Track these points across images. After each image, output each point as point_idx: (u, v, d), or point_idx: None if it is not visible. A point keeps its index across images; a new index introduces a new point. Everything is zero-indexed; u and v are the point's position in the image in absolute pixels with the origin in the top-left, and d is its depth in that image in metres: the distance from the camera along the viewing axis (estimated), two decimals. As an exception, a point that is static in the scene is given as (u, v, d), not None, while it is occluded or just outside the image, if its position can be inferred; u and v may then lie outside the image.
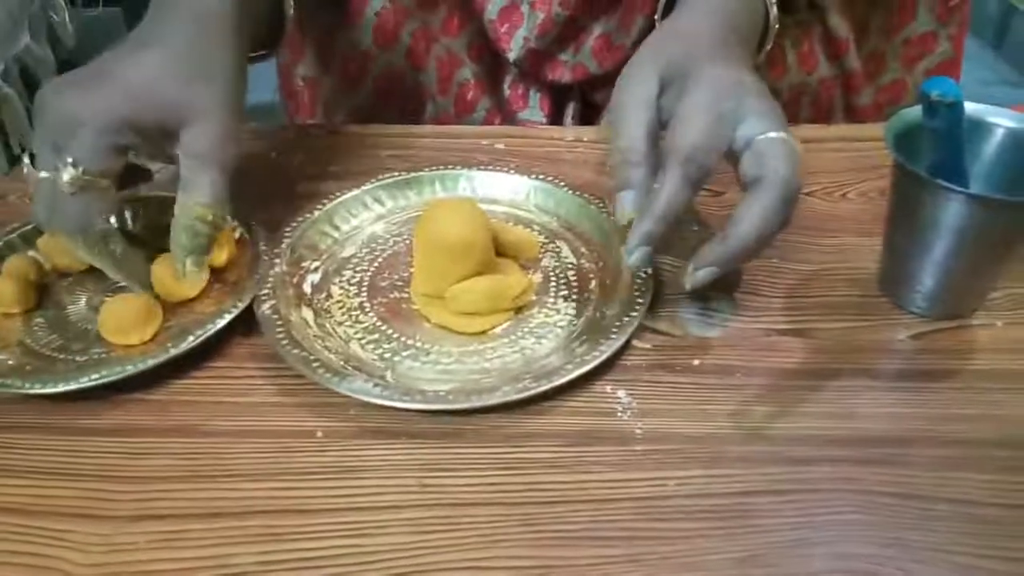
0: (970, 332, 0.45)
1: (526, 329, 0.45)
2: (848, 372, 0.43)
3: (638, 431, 0.39)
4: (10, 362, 0.43)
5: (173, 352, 0.42)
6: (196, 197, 0.43)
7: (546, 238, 0.52)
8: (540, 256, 0.50)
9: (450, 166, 0.56)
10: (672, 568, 0.34)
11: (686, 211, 0.41)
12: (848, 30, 0.66)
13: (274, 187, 0.58)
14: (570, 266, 0.50)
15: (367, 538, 0.35)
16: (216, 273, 0.48)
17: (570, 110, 0.70)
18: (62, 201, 0.42)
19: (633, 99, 0.42)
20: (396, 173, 0.56)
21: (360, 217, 0.54)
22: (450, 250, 0.44)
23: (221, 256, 0.48)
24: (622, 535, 0.35)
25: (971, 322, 0.46)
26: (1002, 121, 0.45)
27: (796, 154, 0.40)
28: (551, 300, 0.47)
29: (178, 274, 0.44)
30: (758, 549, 0.34)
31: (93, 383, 0.40)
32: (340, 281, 0.49)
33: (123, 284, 0.46)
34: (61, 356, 0.44)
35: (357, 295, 0.48)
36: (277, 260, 0.48)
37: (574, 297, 0.47)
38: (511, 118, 0.70)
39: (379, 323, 0.46)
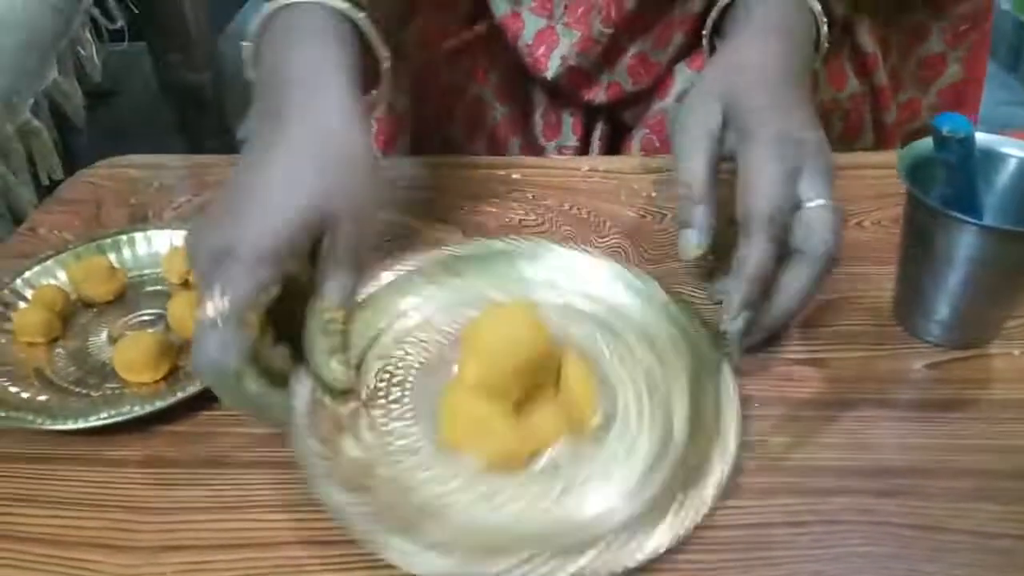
0: (986, 361, 0.45)
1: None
2: (864, 402, 0.43)
3: (655, 462, 0.40)
4: (24, 394, 0.43)
5: (180, 396, 0.42)
6: (328, 302, 0.39)
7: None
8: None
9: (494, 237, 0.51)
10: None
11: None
12: (875, 45, 0.66)
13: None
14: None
15: (394, 570, 0.35)
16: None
17: (598, 131, 0.70)
18: (202, 335, 0.35)
19: (697, 131, 0.43)
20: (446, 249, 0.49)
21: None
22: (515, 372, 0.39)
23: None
24: (638, 568, 0.35)
25: (987, 351, 0.46)
26: (1015, 151, 0.45)
27: (841, 222, 0.42)
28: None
29: (327, 378, 0.40)
30: (774, 578, 0.35)
31: (100, 422, 0.41)
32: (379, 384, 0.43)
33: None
34: (76, 389, 0.45)
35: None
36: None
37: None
38: (541, 154, 0.71)
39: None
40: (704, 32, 0.55)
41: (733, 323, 0.41)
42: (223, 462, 0.41)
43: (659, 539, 0.34)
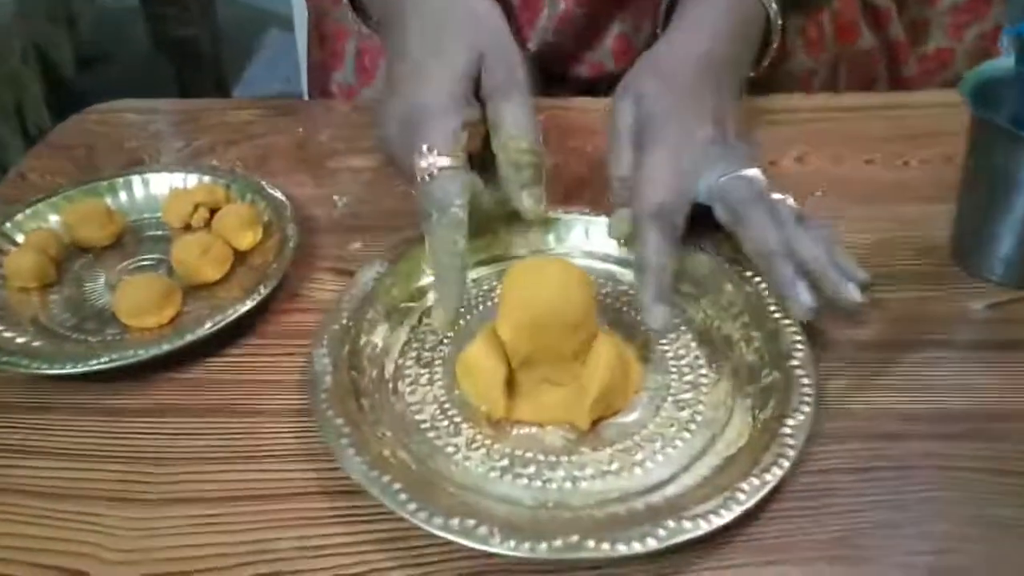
0: (1053, 301, 0.42)
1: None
2: (924, 344, 0.40)
3: (704, 407, 0.37)
4: (19, 340, 0.40)
5: (189, 338, 0.39)
6: (506, 132, 0.41)
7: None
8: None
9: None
10: (756, 551, 0.31)
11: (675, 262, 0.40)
12: (888, 0, 0.63)
13: (301, 163, 0.56)
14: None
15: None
16: (240, 256, 0.46)
17: None
18: (422, 189, 0.39)
19: (618, 126, 0.44)
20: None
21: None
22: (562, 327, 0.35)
23: (246, 239, 0.46)
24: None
25: (1053, 290, 0.43)
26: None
27: (758, 181, 0.40)
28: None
29: (524, 214, 0.41)
30: (844, 530, 0.32)
31: (102, 366, 0.38)
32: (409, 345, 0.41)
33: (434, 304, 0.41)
34: (74, 336, 0.41)
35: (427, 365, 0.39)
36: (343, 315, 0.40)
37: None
38: None
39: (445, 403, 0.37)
40: (658, 29, 0.53)
41: (652, 316, 0.37)
42: (233, 410, 0.38)
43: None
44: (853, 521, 0.32)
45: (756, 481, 0.31)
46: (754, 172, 0.40)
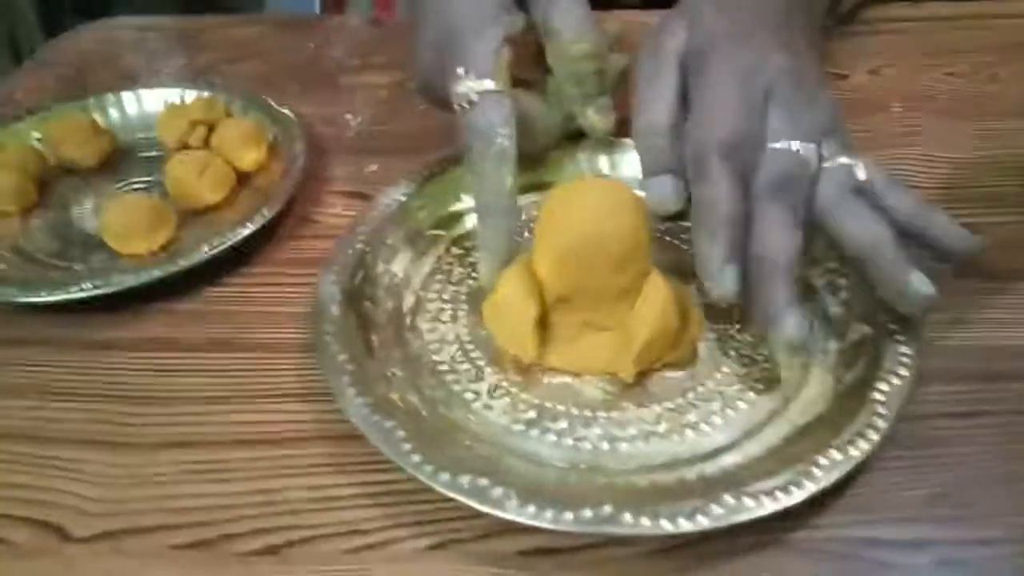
0: None
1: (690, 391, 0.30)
2: (1032, 273, 0.34)
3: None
4: None
5: (183, 264, 0.35)
6: (562, 37, 0.35)
7: None
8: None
9: None
10: (843, 510, 0.26)
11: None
12: None
13: (312, 80, 0.50)
14: None
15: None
16: (243, 178, 0.41)
17: None
18: (464, 116, 0.33)
19: (665, 53, 0.34)
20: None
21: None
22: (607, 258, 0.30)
23: (249, 158, 0.41)
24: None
25: None
26: None
27: (803, 179, 0.31)
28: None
29: (591, 132, 0.37)
30: (947, 485, 0.27)
31: (85, 294, 0.33)
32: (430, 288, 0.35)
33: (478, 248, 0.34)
34: (57, 263, 0.37)
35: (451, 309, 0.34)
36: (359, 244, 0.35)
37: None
38: None
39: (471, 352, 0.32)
40: None
41: (721, 280, 0.29)
42: (234, 344, 0.33)
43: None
44: (959, 474, 0.27)
45: (837, 455, 0.26)
46: (847, 159, 0.31)
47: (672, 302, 0.30)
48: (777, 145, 0.31)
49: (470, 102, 0.33)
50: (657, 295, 0.29)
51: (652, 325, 0.29)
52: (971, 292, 0.33)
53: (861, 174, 0.31)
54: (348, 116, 0.47)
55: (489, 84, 0.33)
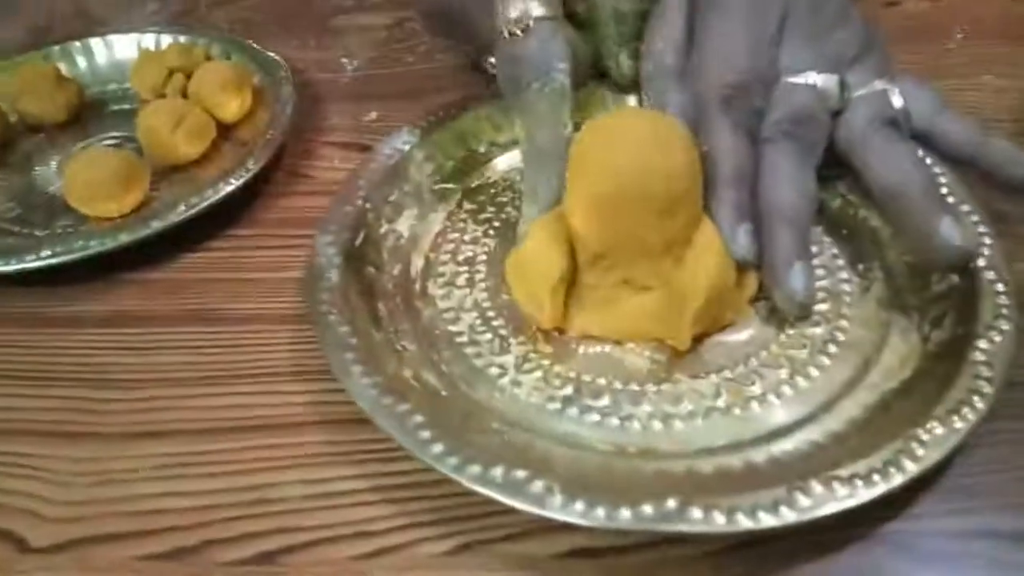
0: None
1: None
2: None
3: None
4: None
5: (156, 226, 0.30)
6: None
7: None
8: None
9: None
10: (939, 495, 0.22)
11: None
12: None
13: (302, 23, 0.45)
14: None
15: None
16: (225, 131, 0.37)
17: None
18: (510, 48, 0.30)
19: None
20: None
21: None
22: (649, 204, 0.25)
23: (231, 106, 0.36)
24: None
25: None
26: None
27: (820, 115, 0.27)
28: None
29: (618, 77, 0.33)
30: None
31: (42, 263, 0.29)
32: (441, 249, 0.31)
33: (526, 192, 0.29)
34: (16, 229, 0.33)
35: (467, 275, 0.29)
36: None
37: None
38: None
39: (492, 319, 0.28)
40: None
41: (734, 240, 0.25)
42: (214, 318, 0.29)
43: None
44: None
45: (939, 429, 0.21)
46: (881, 84, 0.28)
47: (727, 254, 0.25)
48: (792, 79, 0.27)
49: (524, 29, 0.29)
50: (711, 246, 0.25)
51: (709, 282, 0.24)
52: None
53: (897, 101, 0.27)
54: (344, 60, 0.42)
55: (544, 10, 0.29)
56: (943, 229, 0.24)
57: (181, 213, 0.30)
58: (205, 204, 0.31)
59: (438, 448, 0.21)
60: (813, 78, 0.27)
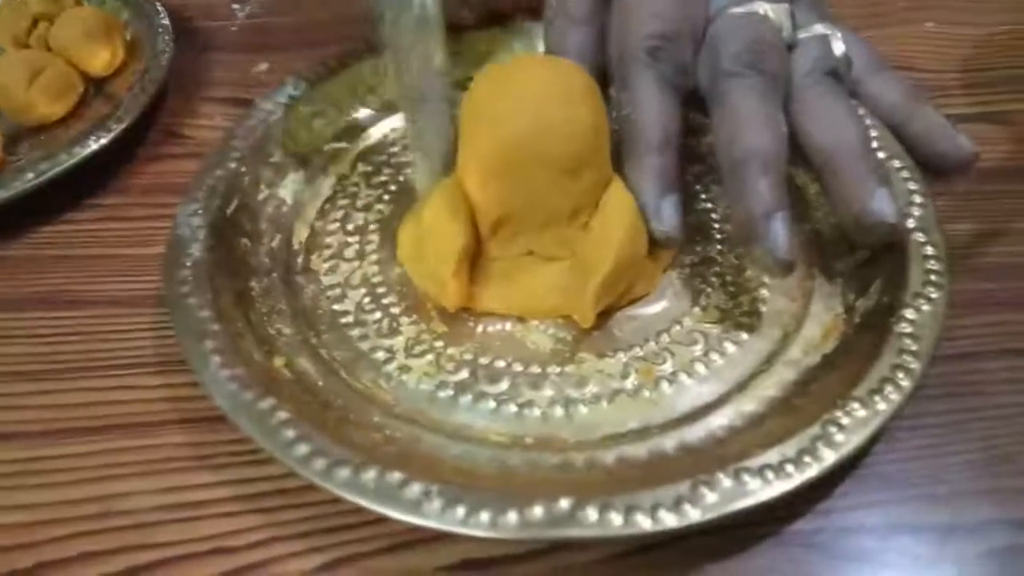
0: None
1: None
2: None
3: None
4: None
5: (4, 196, 0.27)
6: None
7: None
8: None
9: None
10: (872, 483, 0.20)
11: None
12: None
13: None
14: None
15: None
16: (95, 85, 0.33)
17: None
18: None
19: None
20: None
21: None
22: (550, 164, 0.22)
23: (99, 58, 0.32)
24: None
25: None
26: None
27: (776, 47, 0.24)
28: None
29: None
30: (1001, 441, 0.21)
31: None
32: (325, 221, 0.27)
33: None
34: None
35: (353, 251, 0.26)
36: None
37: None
38: None
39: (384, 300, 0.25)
40: None
41: (657, 214, 0.23)
42: (70, 300, 0.26)
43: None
44: (1014, 432, 0.21)
45: (859, 411, 0.19)
46: (822, 28, 0.25)
47: (639, 218, 0.23)
48: (736, 9, 0.24)
49: None
50: (621, 210, 0.22)
51: (616, 250, 0.22)
52: (1003, 196, 0.27)
53: (839, 47, 0.24)
54: (235, 6, 0.38)
55: None
56: (874, 202, 0.22)
57: (29, 181, 0.27)
58: (58, 169, 0.27)
59: (303, 449, 0.19)
60: (763, 8, 0.24)
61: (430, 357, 0.23)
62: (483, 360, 0.23)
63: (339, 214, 0.27)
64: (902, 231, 0.23)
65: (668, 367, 0.22)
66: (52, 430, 0.22)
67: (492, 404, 0.22)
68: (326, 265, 0.25)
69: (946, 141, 0.24)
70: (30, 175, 0.27)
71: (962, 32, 0.34)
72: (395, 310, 0.24)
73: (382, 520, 0.18)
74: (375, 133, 0.30)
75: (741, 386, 0.22)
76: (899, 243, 0.23)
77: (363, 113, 0.30)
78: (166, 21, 0.34)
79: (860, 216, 0.22)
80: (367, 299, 0.24)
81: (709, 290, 0.24)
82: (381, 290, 0.25)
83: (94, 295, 0.26)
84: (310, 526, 0.20)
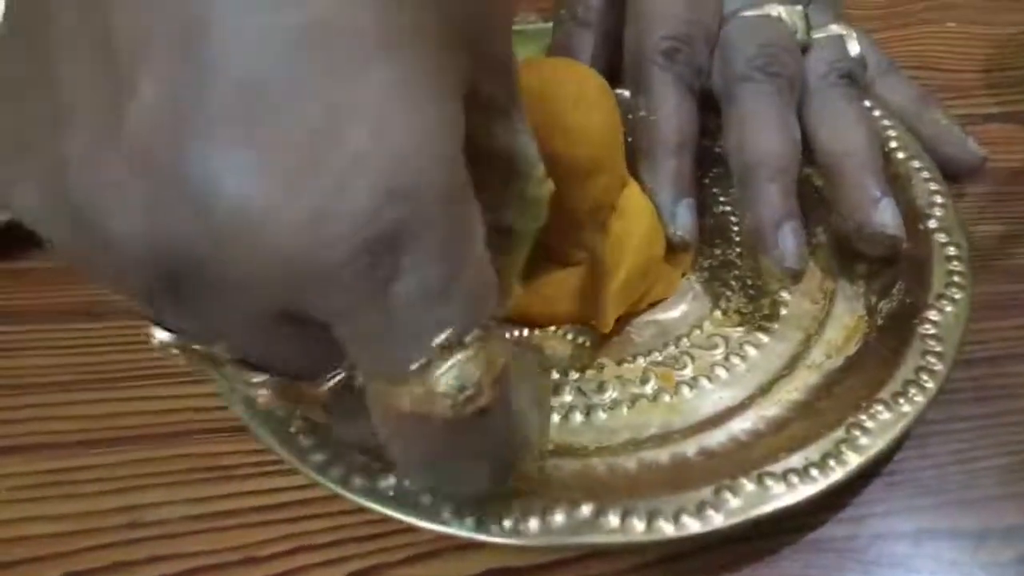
0: None
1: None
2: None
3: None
4: None
5: None
6: None
7: None
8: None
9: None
10: (897, 492, 0.20)
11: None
12: None
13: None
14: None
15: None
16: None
17: None
18: None
19: None
20: None
21: None
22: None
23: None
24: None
25: None
26: None
27: (791, 51, 0.24)
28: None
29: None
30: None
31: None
32: None
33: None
34: None
35: None
36: None
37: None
38: None
39: None
40: None
41: (673, 214, 0.23)
42: (89, 312, 0.26)
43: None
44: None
45: (884, 413, 0.19)
46: (839, 28, 0.25)
47: (657, 221, 0.23)
48: (749, 12, 0.24)
49: None
50: (637, 213, 0.22)
51: (633, 254, 0.22)
52: (1018, 196, 0.27)
53: (854, 47, 0.24)
54: None
55: None
56: (877, 214, 0.22)
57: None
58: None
59: (320, 457, 0.19)
60: (776, 10, 0.24)
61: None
62: None
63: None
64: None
65: (688, 372, 0.22)
66: (80, 441, 0.22)
67: None
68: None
69: (954, 144, 0.24)
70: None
71: (984, 32, 0.33)
72: None
73: (408, 529, 0.18)
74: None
75: (763, 390, 0.22)
76: (923, 241, 0.23)
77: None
78: None
79: (862, 226, 0.22)
80: None
81: (729, 293, 0.24)
82: None
83: (120, 306, 0.26)
84: (336, 536, 0.20)
